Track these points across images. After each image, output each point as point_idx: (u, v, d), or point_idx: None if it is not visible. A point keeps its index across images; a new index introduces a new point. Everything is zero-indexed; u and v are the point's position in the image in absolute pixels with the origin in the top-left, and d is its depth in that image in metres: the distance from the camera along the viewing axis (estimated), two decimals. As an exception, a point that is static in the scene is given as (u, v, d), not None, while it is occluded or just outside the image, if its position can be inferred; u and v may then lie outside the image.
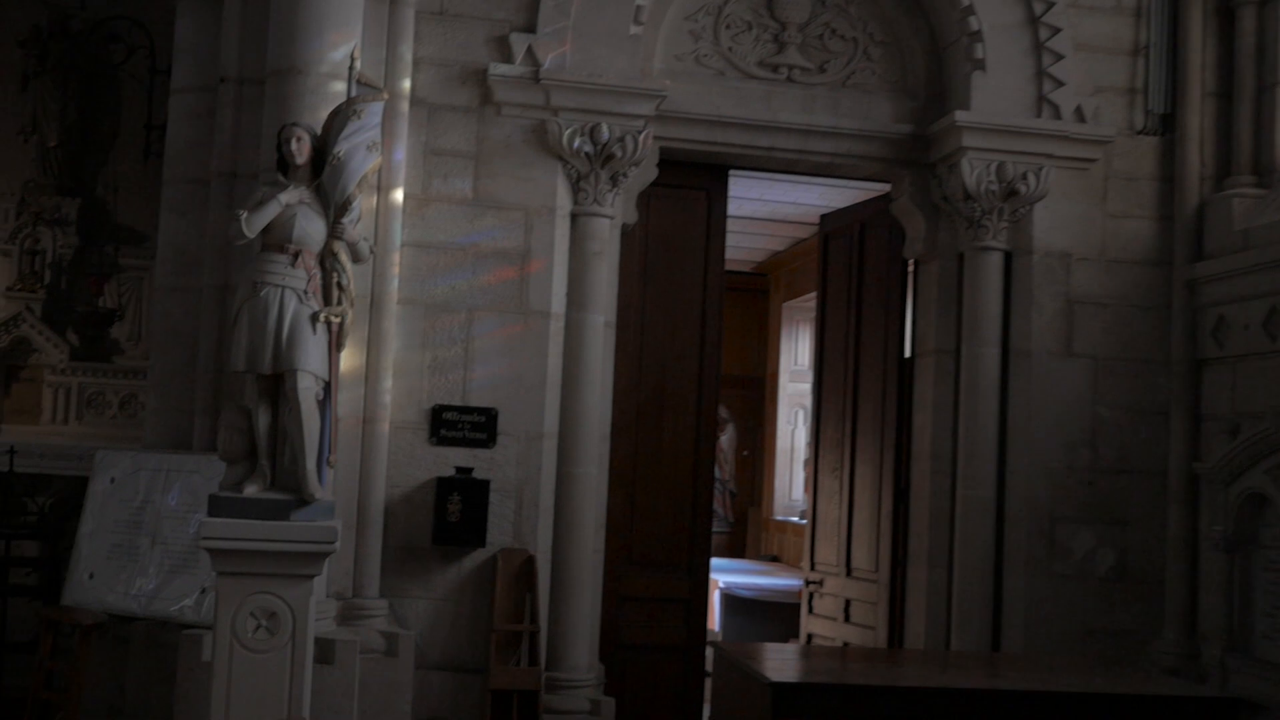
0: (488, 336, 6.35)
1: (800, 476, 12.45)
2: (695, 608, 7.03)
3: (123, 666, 5.76)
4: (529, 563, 6.26)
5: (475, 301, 6.36)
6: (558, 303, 6.43)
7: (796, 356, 12.83)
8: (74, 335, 10.06)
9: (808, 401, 10.67)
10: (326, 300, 4.70)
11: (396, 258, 6.18)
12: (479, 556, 6.26)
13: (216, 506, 4.53)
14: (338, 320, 4.71)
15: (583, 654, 6.39)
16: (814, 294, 8.86)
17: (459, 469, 6.25)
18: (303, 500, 4.55)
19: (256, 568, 4.49)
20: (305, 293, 4.63)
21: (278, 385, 4.63)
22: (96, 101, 10.49)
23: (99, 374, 9.98)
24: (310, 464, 4.57)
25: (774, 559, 12.49)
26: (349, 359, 5.74)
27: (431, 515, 6.19)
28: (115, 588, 5.75)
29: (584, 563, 6.40)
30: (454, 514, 6.16)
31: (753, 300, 13.18)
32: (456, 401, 6.31)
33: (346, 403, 5.81)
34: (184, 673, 5.28)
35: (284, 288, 4.61)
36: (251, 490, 4.57)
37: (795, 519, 12.14)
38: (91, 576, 5.84)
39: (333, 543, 4.55)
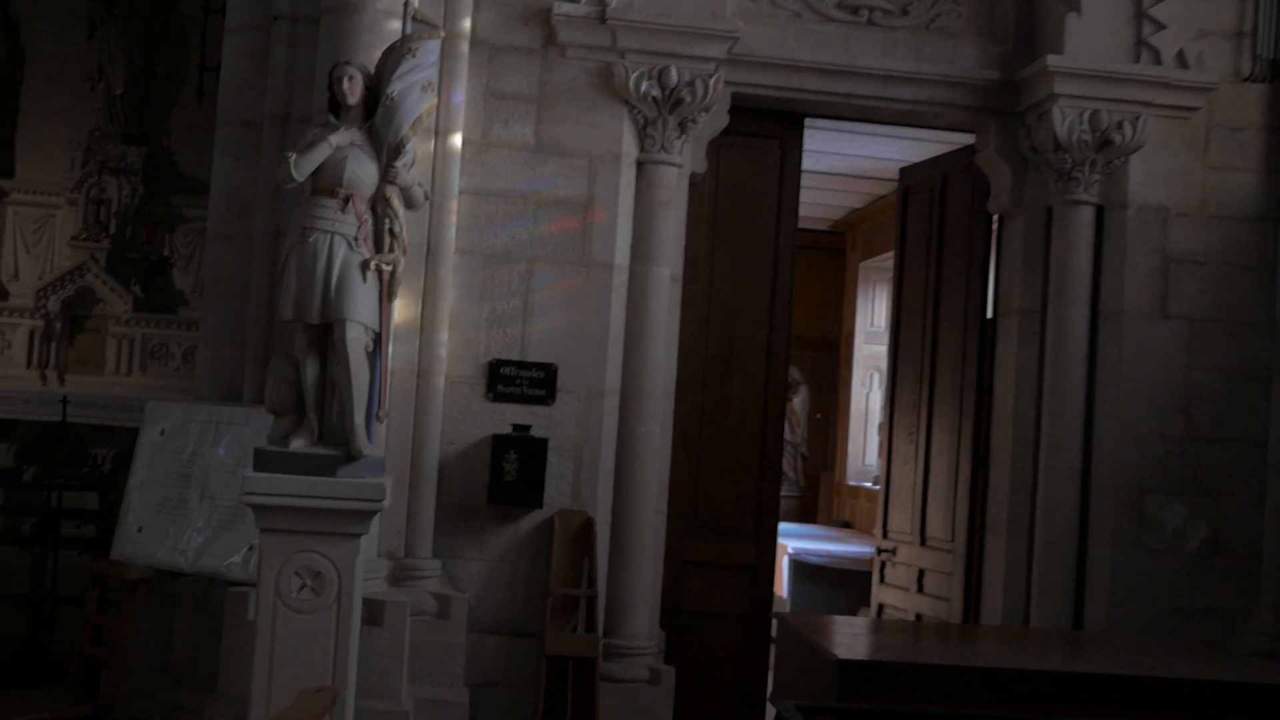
0: (548, 289, 6.14)
1: (874, 441, 12.21)
2: (761, 574, 6.79)
3: (170, 623, 5.66)
4: (588, 525, 6.05)
5: (535, 252, 6.14)
6: (621, 254, 6.19)
7: (873, 318, 12.59)
8: (138, 287, 10.04)
9: (883, 364, 10.38)
10: (378, 247, 4.51)
11: (454, 205, 5.97)
12: (536, 517, 6.07)
13: (262, 461, 4.37)
14: (389, 268, 4.52)
15: (642, 621, 6.19)
16: (891, 254, 8.54)
17: (516, 426, 6.04)
18: (350, 455, 4.37)
19: (301, 525, 4.32)
20: (355, 239, 4.45)
21: (326, 335, 4.46)
22: (161, 47, 10.43)
23: (162, 325, 10.01)
24: (359, 418, 4.39)
25: (846, 525, 12.30)
26: (404, 310, 5.57)
27: (487, 474, 6.00)
28: (164, 542, 5.64)
29: (645, 526, 6.19)
30: (510, 473, 5.97)
31: (828, 260, 12.91)
32: (515, 356, 6.11)
33: (401, 355, 5.62)
34: (229, 631, 5.17)
35: (333, 234, 4.44)
36: (298, 444, 4.41)
37: (868, 484, 11.91)
38: (140, 530, 5.73)
39: (380, 500, 4.36)
